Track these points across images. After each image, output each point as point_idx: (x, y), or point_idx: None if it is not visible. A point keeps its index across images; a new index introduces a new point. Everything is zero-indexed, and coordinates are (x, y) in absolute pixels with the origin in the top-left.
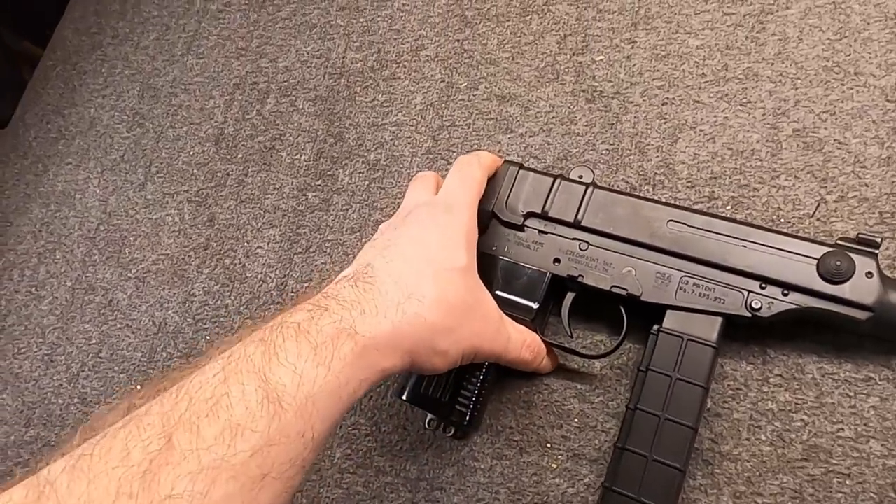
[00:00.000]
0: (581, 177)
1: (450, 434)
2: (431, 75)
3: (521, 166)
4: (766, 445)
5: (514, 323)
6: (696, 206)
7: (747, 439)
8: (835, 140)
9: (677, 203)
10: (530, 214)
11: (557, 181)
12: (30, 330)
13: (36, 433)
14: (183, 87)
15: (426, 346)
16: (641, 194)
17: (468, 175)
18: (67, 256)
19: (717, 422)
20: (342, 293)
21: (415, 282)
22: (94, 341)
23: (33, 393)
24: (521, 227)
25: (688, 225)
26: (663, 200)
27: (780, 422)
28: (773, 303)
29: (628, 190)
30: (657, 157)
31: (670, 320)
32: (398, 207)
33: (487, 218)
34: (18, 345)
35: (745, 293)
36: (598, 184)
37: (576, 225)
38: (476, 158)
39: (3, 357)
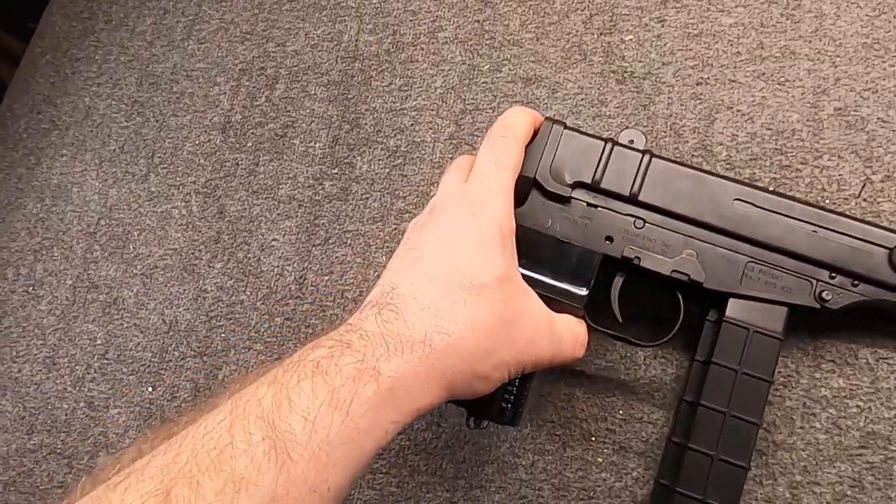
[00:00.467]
0: (632, 141)
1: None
2: (451, 58)
3: (566, 126)
4: (822, 433)
5: (564, 317)
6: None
7: (801, 427)
8: (878, 118)
9: (741, 179)
10: (578, 185)
11: (609, 146)
12: (28, 332)
13: (40, 440)
14: (185, 73)
15: (463, 376)
16: (701, 166)
17: (501, 153)
18: (66, 253)
19: (770, 410)
20: (366, 325)
21: (443, 306)
22: (99, 342)
23: (35, 398)
24: (567, 200)
25: (755, 205)
26: (726, 175)
27: (834, 408)
28: (842, 293)
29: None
30: (694, 138)
31: (734, 309)
32: (421, 196)
33: (528, 187)
34: (17, 348)
35: (814, 282)
36: (654, 152)
37: (632, 199)
38: (510, 130)
39: (0, 361)
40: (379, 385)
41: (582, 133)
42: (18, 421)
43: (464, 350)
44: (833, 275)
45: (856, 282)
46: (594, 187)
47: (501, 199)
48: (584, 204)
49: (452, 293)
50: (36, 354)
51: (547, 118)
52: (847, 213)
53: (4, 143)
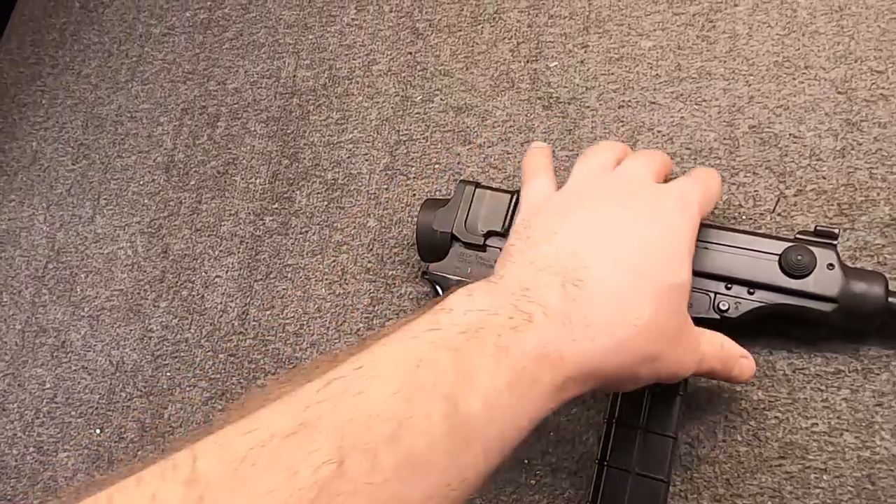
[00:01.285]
0: None
1: None
2: (385, 90)
3: (478, 185)
4: (743, 446)
5: (706, 332)
6: None
7: (724, 441)
8: (790, 134)
9: None
10: (491, 233)
11: (514, 197)
12: None
13: None
14: (129, 114)
15: (622, 373)
16: None
17: (702, 179)
18: (15, 298)
19: (693, 425)
20: (548, 295)
21: (633, 299)
22: (48, 385)
23: None
24: (482, 248)
25: None
26: None
27: (754, 420)
28: (739, 302)
29: None
30: None
31: None
32: (358, 228)
33: (447, 241)
34: None
35: (712, 295)
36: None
37: None
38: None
39: None
40: (557, 373)
41: (492, 189)
42: None
43: (639, 349)
44: (728, 286)
45: (751, 290)
46: (504, 233)
47: (699, 214)
48: (498, 249)
49: (642, 288)
50: None
51: (460, 181)
52: (739, 227)
53: None
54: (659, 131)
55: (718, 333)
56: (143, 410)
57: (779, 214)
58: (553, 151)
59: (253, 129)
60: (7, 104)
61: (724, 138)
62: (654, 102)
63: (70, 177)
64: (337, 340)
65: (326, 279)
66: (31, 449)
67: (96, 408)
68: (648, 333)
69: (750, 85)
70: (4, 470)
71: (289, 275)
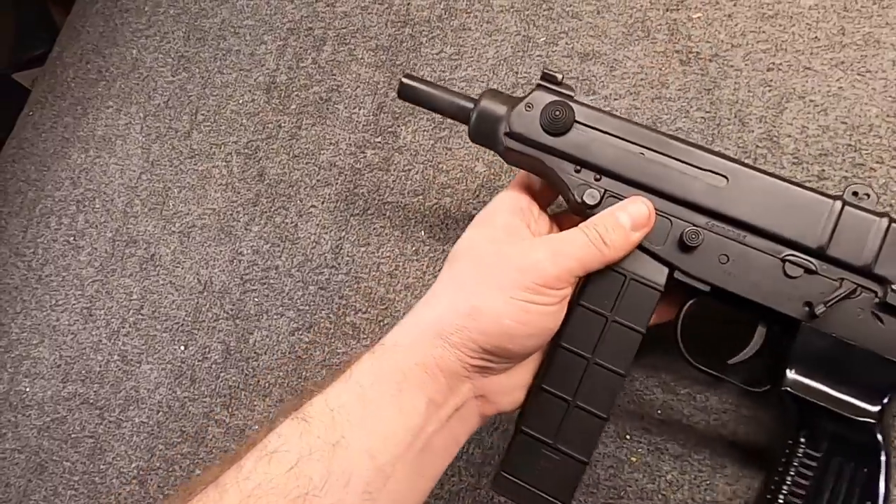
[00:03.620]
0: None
1: None
2: (506, 27)
3: None
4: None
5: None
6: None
7: None
8: None
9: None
10: None
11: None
12: (68, 281)
13: (74, 389)
14: (232, 29)
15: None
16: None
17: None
18: (107, 206)
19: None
20: None
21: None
22: (135, 297)
23: (71, 347)
24: None
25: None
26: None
27: None
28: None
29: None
30: (759, 128)
31: None
32: (465, 171)
33: None
34: (56, 296)
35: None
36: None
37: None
38: None
39: (40, 308)
40: (374, 351)
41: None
42: (54, 369)
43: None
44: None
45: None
46: None
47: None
48: None
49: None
50: (74, 304)
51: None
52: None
53: (53, 92)
54: (811, 100)
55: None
56: (229, 333)
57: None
58: (688, 111)
59: (360, 56)
60: (109, 8)
61: (889, 115)
62: (808, 68)
63: (169, 88)
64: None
65: (427, 221)
66: (116, 357)
67: (182, 324)
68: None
69: None
70: (89, 374)
71: (387, 213)
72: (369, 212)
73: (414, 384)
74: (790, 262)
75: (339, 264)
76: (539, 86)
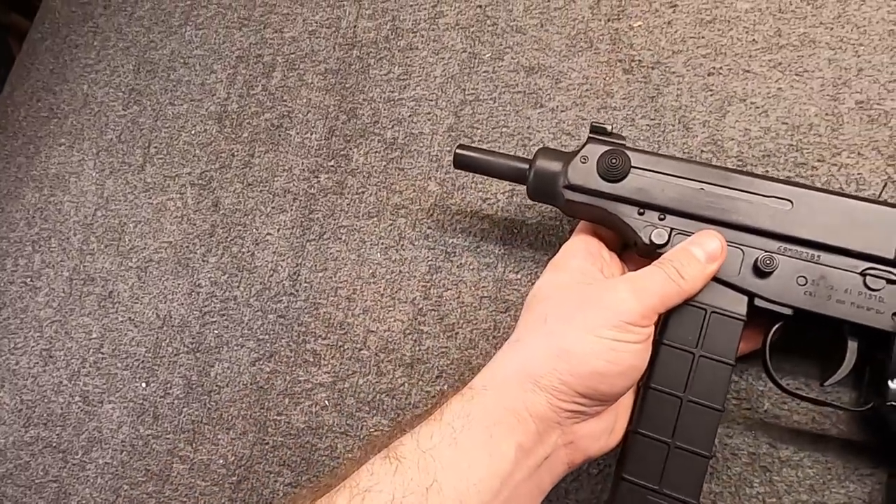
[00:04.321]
0: None
1: None
2: (452, 45)
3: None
4: (830, 451)
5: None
6: None
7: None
8: None
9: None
10: None
11: None
12: (26, 323)
13: (36, 433)
14: (182, 60)
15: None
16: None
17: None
18: (63, 244)
19: (776, 425)
20: None
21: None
22: (94, 335)
23: (32, 391)
24: None
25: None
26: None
27: (845, 425)
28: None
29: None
30: (703, 132)
31: None
32: (418, 191)
33: None
34: (15, 339)
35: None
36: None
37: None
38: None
39: None
40: (463, 394)
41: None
42: (15, 413)
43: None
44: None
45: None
46: None
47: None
48: None
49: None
50: (33, 346)
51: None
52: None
53: (5, 132)
54: (752, 103)
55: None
56: (190, 367)
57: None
58: (633, 119)
59: (310, 81)
60: (58, 45)
61: (827, 114)
62: (748, 71)
63: (121, 122)
64: (391, 308)
65: (382, 243)
66: (77, 398)
67: (142, 361)
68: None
69: (859, 56)
70: (51, 417)
71: (343, 236)
72: (325, 236)
73: (504, 429)
74: (870, 275)
75: (297, 291)
76: (590, 138)
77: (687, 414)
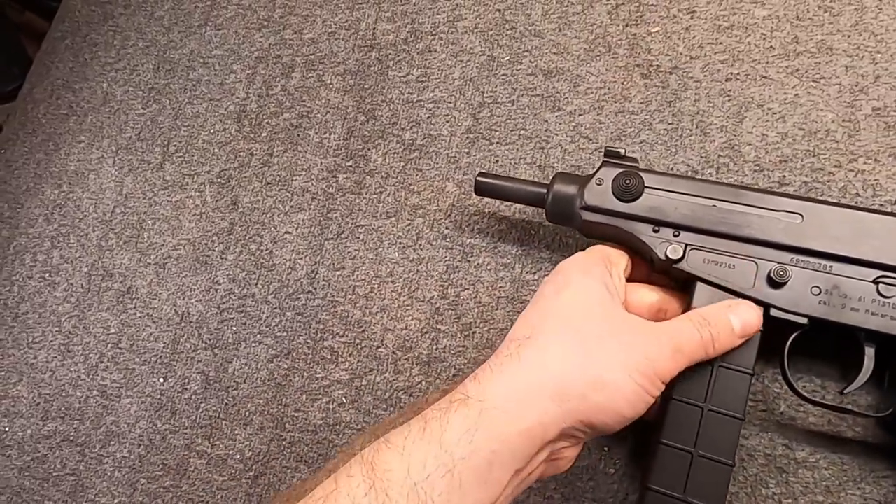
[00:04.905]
0: None
1: None
2: (470, 48)
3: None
4: (846, 453)
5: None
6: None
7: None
8: None
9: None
10: None
11: None
12: (44, 318)
13: (54, 427)
14: (201, 60)
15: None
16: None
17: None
18: (82, 241)
19: (792, 427)
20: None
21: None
22: (112, 331)
23: (50, 384)
24: None
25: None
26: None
27: (861, 427)
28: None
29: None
30: (721, 137)
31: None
32: (436, 192)
33: None
34: (33, 334)
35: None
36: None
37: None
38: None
39: (17, 346)
40: (469, 408)
41: None
42: (34, 407)
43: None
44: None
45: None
46: None
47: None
48: None
49: (574, 336)
50: (52, 341)
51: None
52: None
53: (24, 128)
54: (769, 108)
55: (690, 316)
56: (208, 363)
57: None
58: (651, 124)
59: (329, 82)
60: (78, 44)
61: (844, 120)
62: (765, 77)
63: (140, 121)
64: (409, 307)
65: (400, 243)
66: (95, 392)
67: (160, 356)
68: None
69: (876, 63)
70: (68, 411)
71: (361, 235)
72: (343, 235)
73: (507, 457)
74: (883, 283)
75: (315, 289)
76: (605, 162)
77: (709, 423)
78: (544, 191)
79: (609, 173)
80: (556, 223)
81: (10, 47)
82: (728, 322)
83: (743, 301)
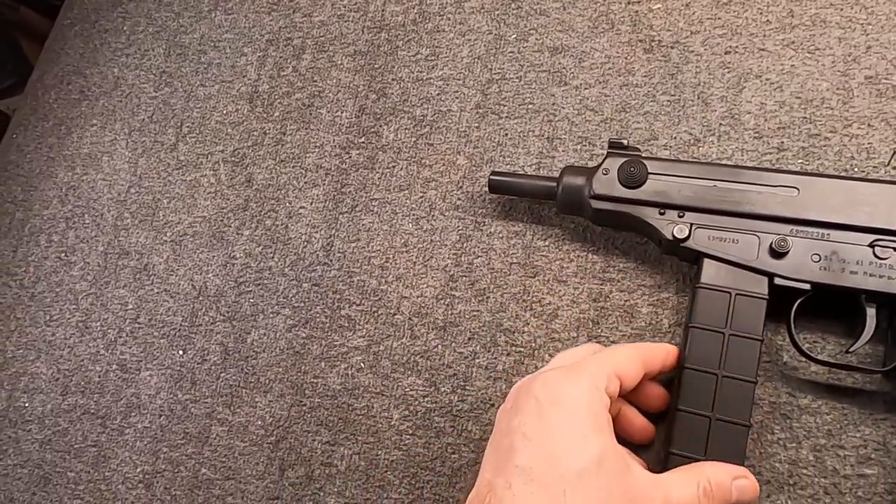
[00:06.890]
0: None
1: None
2: (478, 27)
3: None
4: (846, 399)
5: (681, 477)
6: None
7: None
8: None
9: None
10: None
11: None
12: (61, 296)
13: (74, 401)
14: (212, 43)
15: None
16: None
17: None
18: (97, 220)
19: (794, 377)
20: None
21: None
22: (130, 307)
23: (69, 360)
24: None
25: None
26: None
27: (860, 374)
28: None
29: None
30: (722, 107)
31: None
32: (447, 165)
33: None
34: (50, 311)
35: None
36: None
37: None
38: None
39: (35, 325)
40: None
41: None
42: (53, 382)
43: None
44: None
45: None
46: None
47: (587, 381)
48: None
49: (552, 487)
50: (69, 318)
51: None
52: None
53: (35, 114)
54: (767, 79)
55: (698, 468)
56: (227, 334)
57: (893, 168)
58: (654, 96)
59: (339, 62)
60: (88, 30)
61: (838, 88)
62: (763, 49)
63: (152, 104)
64: (424, 275)
65: (414, 214)
66: (115, 366)
67: (179, 330)
68: None
69: (868, 34)
70: (88, 385)
71: (375, 208)
72: (357, 209)
73: None
74: (879, 246)
75: (330, 261)
76: (609, 153)
77: (724, 388)
78: (554, 185)
79: (614, 163)
80: (567, 214)
81: (4, 45)
82: (729, 490)
83: (749, 478)
